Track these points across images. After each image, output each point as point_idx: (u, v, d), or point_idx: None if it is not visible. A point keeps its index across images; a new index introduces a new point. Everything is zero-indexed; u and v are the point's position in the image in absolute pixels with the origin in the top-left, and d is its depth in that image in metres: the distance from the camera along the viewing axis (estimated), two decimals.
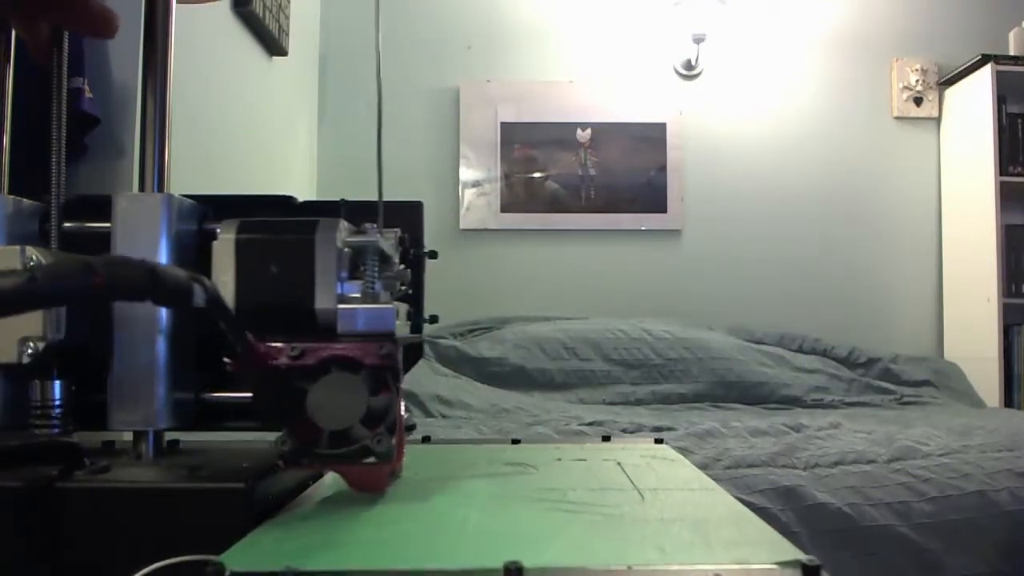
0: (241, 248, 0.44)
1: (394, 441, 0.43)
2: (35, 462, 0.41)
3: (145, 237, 0.48)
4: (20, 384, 0.47)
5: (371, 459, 0.42)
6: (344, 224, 0.46)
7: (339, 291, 0.45)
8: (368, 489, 0.46)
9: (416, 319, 0.57)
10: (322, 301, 0.44)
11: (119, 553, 0.39)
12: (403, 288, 0.54)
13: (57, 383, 0.46)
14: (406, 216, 0.55)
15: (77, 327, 0.45)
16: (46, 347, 0.43)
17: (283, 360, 0.42)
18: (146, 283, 0.33)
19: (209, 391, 0.52)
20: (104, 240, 0.48)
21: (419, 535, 0.40)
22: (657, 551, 0.37)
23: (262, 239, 0.45)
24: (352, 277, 0.46)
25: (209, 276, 0.41)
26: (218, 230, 0.45)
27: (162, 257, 0.48)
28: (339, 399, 0.41)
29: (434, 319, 0.60)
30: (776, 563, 0.34)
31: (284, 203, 0.55)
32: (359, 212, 0.50)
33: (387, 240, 0.48)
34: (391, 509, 0.45)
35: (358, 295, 0.45)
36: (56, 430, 0.46)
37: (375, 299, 0.45)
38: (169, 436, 0.51)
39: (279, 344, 0.42)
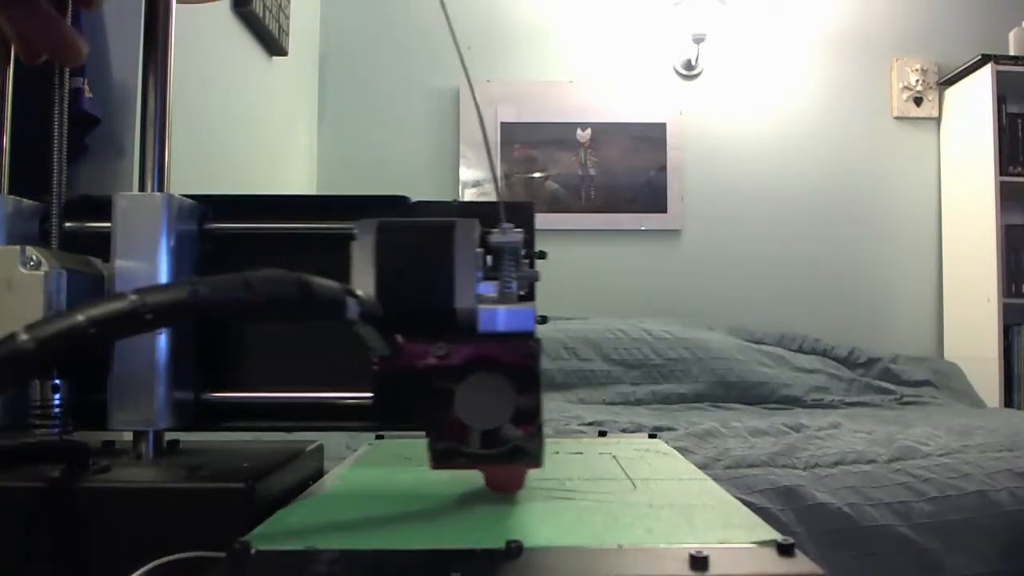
0: (381, 249, 0.44)
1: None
2: (43, 461, 0.42)
3: (145, 237, 0.48)
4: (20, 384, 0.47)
5: (525, 459, 0.42)
6: (478, 224, 0.46)
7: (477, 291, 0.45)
8: (506, 489, 0.47)
9: None
10: (462, 301, 0.44)
11: (119, 552, 0.39)
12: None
13: (57, 383, 0.46)
14: (516, 217, 0.55)
15: None
16: None
17: (429, 360, 0.42)
18: (299, 299, 0.34)
19: (209, 391, 0.52)
20: (104, 240, 0.48)
21: (427, 519, 0.42)
22: (646, 532, 0.40)
23: (402, 240, 0.45)
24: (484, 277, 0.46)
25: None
26: (355, 230, 0.45)
27: (162, 257, 0.48)
28: (487, 399, 0.41)
29: (543, 320, 0.60)
30: (754, 542, 0.37)
31: (398, 203, 0.55)
32: (470, 213, 0.50)
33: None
34: (401, 497, 0.47)
35: (492, 295, 0.46)
36: (56, 430, 0.46)
37: (511, 299, 0.45)
38: (169, 436, 0.51)
39: (425, 345, 0.42)
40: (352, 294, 0.37)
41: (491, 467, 0.45)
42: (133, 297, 0.31)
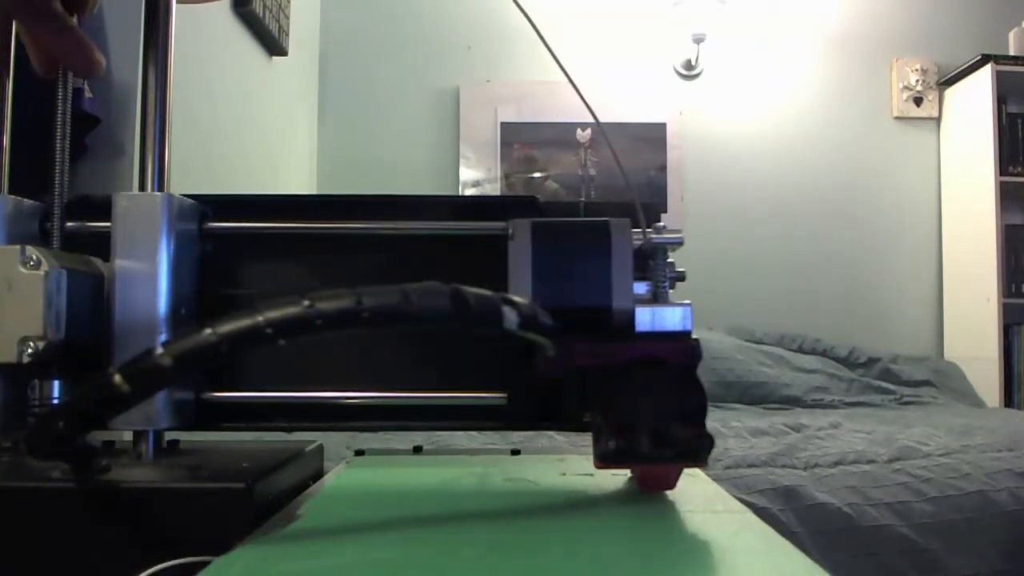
0: (537, 250, 0.44)
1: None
2: (52, 458, 0.41)
3: (145, 237, 0.48)
4: (20, 384, 0.47)
5: (694, 459, 0.41)
6: (630, 223, 0.46)
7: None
8: (658, 488, 0.46)
9: None
10: (619, 301, 0.44)
11: (119, 553, 0.39)
12: None
13: (57, 383, 0.46)
14: (647, 218, 0.55)
15: (77, 327, 0.45)
16: (46, 347, 0.43)
17: (594, 361, 0.42)
18: (453, 311, 0.34)
19: (209, 391, 0.52)
20: (104, 240, 0.48)
21: (408, 563, 0.34)
22: None
23: (559, 241, 0.45)
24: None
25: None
26: (510, 231, 0.45)
27: (162, 257, 0.48)
28: (653, 398, 0.41)
29: None
30: None
31: (528, 204, 0.55)
32: (595, 212, 0.50)
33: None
34: (381, 531, 0.40)
35: (644, 295, 0.46)
36: None
37: (665, 298, 0.45)
38: (169, 436, 0.51)
39: (592, 344, 0.42)
40: (511, 303, 0.36)
41: (645, 467, 0.44)
42: (305, 303, 0.32)
